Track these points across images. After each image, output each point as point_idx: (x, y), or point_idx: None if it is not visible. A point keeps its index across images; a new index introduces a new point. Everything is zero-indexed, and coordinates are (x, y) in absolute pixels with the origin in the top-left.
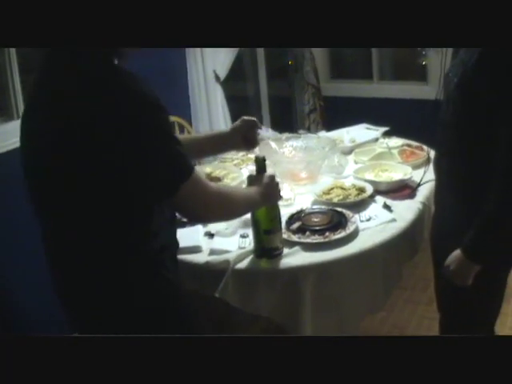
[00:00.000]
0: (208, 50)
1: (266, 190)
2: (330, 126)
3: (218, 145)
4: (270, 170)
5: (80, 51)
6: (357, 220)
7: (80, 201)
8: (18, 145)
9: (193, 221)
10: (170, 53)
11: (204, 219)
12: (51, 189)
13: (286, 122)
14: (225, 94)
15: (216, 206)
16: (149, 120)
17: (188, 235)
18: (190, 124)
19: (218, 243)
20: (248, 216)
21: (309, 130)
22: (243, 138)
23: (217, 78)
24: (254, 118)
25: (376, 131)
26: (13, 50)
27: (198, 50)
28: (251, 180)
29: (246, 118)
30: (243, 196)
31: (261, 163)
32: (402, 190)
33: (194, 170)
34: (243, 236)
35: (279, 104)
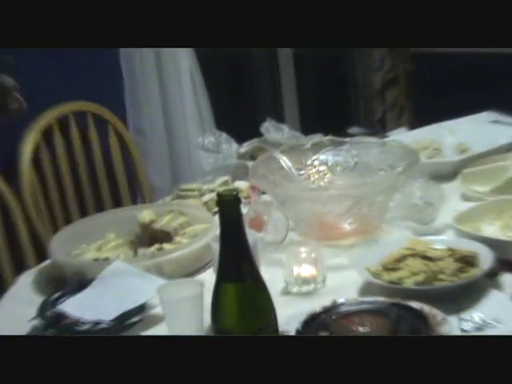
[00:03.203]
0: None
1: None
2: (423, 116)
3: None
4: (276, 216)
5: None
6: (452, 328)
7: None
8: None
9: None
10: None
11: None
12: None
13: (334, 111)
14: (199, 58)
15: None
16: None
17: None
18: (124, 119)
19: None
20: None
21: (382, 124)
22: None
23: None
24: None
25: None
26: None
27: None
28: None
29: None
30: None
31: (228, 204)
32: None
33: None
34: None
35: (317, 73)
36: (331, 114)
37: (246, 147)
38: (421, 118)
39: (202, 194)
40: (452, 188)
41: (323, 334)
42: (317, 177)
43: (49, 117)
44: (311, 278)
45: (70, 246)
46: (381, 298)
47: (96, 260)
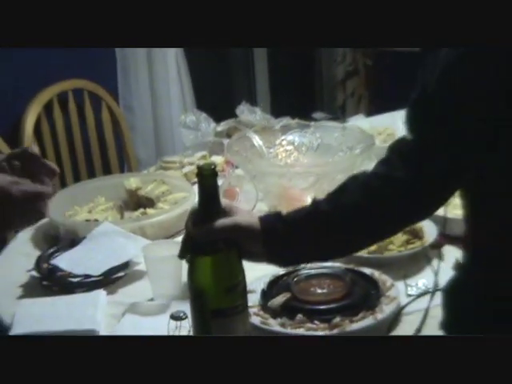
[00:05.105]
0: None
1: None
2: (380, 105)
3: None
4: (247, 188)
5: None
6: (399, 292)
7: None
8: None
9: None
10: None
11: None
12: None
13: (301, 97)
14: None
15: None
16: None
17: (78, 308)
18: (116, 97)
19: (130, 327)
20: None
21: (342, 110)
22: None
23: None
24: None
25: None
26: None
27: None
28: None
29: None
30: None
31: (207, 178)
32: None
33: None
34: (177, 317)
35: (288, 65)
36: (299, 100)
37: (222, 126)
38: (377, 106)
39: (182, 166)
40: None
41: (284, 295)
42: (284, 155)
43: (50, 92)
44: None
45: (65, 207)
46: (337, 264)
47: (87, 221)
